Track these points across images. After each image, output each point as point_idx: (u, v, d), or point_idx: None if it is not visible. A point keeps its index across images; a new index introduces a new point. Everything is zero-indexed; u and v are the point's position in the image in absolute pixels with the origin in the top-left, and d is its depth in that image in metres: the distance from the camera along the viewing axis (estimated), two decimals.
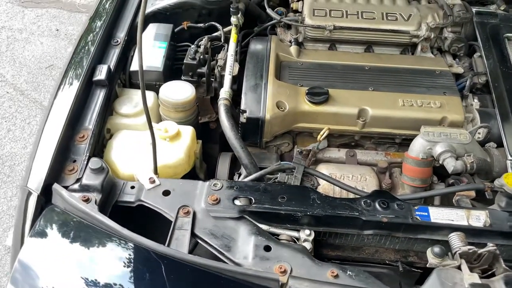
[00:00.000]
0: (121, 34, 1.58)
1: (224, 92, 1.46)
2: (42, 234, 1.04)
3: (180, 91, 1.44)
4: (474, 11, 1.73)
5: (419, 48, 1.71)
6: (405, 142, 1.46)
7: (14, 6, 4.10)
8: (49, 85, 3.27)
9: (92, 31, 1.56)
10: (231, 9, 1.63)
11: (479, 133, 1.42)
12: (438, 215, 1.11)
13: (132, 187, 1.15)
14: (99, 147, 1.32)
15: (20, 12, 4.02)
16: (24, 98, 3.13)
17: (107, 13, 1.62)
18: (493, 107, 1.49)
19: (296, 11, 1.81)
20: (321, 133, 1.36)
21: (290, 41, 1.74)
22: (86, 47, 1.49)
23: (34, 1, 4.19)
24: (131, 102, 1.45)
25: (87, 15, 3.91)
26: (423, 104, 1.44)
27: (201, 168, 1.48)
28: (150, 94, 1.47)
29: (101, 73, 1.38)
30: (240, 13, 1.67)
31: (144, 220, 1.13)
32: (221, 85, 1.54)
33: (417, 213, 1.11)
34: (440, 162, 1.26)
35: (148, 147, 1.21)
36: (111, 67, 1.43)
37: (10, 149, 2.81)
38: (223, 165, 1.45)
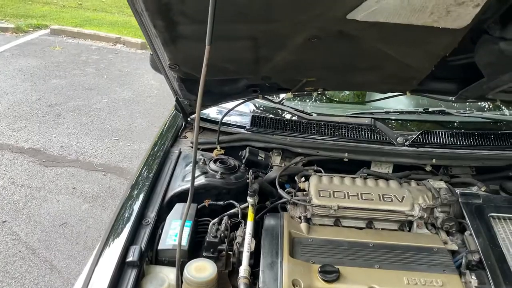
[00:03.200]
0: (151, 214, 1.79)
1: (243, 270, 1.59)
2: None
3: (204, 270, 1.57)
4: (458, 193, 1.98)
5: (415, 225, 1.92)
6: None
7: (35, 165, 4.47)
8: (60, 243, 3.39)
9: (127, 209, 1.77)
10: (248, 191, 1.88)
11: None
12: None
13: None
14: None
15: (40, 171, 4.36)
16: (35, 257, 3.20)
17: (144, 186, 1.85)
18: (490, 284, 1.62)
19: (303, 190, 2.06)
20: None
21: (299, 217, 1.95)
22: (120, 227, 1.68)
23: (55, 161, 4.57)
24: (157, 280, 1.57)
25: (103, 174, 4.28)
26: (426, 282, 1.57)
27: None
28: (171, 270, 1.60)
29: (134, 255, 1.53)
30: (256, 195, 1.91)
31: None
32: (239, 260, 1.68)
33: None
34: None
35: None
36: (142, 247, 1.59)
37: None
38: None
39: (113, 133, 5.22)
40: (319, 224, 1.97)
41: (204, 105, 2.33)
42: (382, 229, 1.96)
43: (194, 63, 1.83)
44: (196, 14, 1.43)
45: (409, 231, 1.93)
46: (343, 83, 2.08)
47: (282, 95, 2.42)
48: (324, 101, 2.60)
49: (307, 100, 2.69)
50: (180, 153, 2.28)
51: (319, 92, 2.13)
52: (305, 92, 2.19)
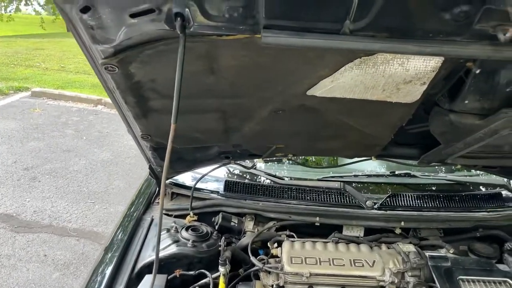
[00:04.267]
0: (119, 287, 1.75)
1: None
2: None
3: None
4: (428, 256, 2.01)
5: None
6: None
7: (7, 231, 4.33)
8: None
9: (95, 283, 1.73)
10: (219, 260, 1.87)
11: None
12: None
13: None
14: None
15: (11, 237, 4.22)
16: None
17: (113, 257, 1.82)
18: None
19: (276, 256, 2.06)
20: None
21: (272, 286, 1.92)
22: None
23: (27, 226, 4.44)
24: None
25: (76, 239, 4.16)
26: None
27: None
28: None
29: None
30: (227, 263, 1.90)
31: None
32: None
33: None
34: None
35: None
36: None
37: None
38: None
39: (90, 196, 5.14)
40: None
41: (177, 171, 2.37)
42: None
43: (166, 133, 1.89)
44: (166, 90, 1.51)
45: None
46: (311, 149, 2.16)
47: (255, 160, 2.48)
48: (296, 164, 2.66)
49: (280, 164, 2.76)
50: (152, 220, 2.27)
51: (289, 158, 2.21)
52: (276, 158, 2.25)
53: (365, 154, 2.15)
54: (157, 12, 1.05)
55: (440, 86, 1.56)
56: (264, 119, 1.75)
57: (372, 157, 2.18)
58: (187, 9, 1.04)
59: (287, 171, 2.68)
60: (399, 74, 1.34)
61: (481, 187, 2.56)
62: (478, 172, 2.61)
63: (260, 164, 2.66)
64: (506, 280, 1.89)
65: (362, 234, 2.26)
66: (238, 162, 2.30)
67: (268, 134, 1.93)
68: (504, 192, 2.53)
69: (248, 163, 2.48)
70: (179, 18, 1.06)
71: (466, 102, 1.50)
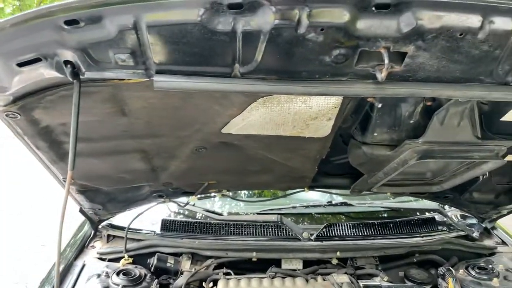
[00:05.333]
0: None
1: None
2: None
3: None
4: (362, 286, 2.03)
5: None
6: None
7: None
8: None
9: None
10: None
11: None
12: None
13: None
14: None
15: None
16: None
17: None
18: None
19: None
20: None
21: None
22: None
23: None
24: None
25: None
26: None
27: None
28: None
29: None
30: None
31: None
32: None
33: None
34: None
35: None
36: None
37: None
38: None
39: None
40: None
41: (111, 213, 2.31)
42: None
43: (88, 175, 1.86)
44: (80, 133, 1.49)
45: None
46: (244, 184, 2.17)
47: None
48: (231, 198, 2.66)
49: (222, 198, 2.74)
50: (83, 265, 2.18)
51: (223, 193, 2.20)
52: (211, 194, 2.24)
53: (297, 186, 2.18)
54: (44, 61, 1.05)
55: (351, 120, 1.62)
56: (189, 157, 1.76)
57: (305, 189, 2.21)
58: (75, 57, 1.04)
59: (228, 206, 2.67)
60: (304, 111, 1.38)
61: (416, 212, 2.63)
62: (412, 198, 2.69)
63: (200, 200, 2.63)
64: None
65: (300, 266, 2.26)
66: (173, 200, 2.27)
67: (196, 171, 1.92)
68: (438, 216, 2.61)
69: (184, 200, 2.44)
70: (69, 66, 1.06)
71: (375, 134, 1.57)
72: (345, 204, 2.57)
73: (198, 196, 2.16)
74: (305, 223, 2.49)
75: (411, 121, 1.51)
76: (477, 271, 2.14)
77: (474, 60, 1.05)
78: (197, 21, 0.95)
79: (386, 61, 1.00)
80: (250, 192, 2.84)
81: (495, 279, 2.06)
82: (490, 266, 2.19)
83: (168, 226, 2.35)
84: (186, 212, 2.57)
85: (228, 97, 1.32)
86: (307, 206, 2.56)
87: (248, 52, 1.03)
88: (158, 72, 1.08)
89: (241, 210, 2.57)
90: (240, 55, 1.03)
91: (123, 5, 0.94)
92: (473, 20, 0.96)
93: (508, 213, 2.42)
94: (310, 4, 0.93)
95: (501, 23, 0.98)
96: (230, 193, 2.56)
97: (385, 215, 2.61)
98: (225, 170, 1.95)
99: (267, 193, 2.75)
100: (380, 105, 1.42)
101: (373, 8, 0.94)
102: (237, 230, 2.31)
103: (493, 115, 1.56)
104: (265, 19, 0.95)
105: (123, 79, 1.18)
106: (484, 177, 2.05)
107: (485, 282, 2.07)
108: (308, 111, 1.38)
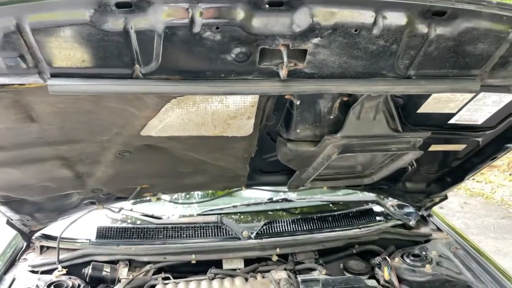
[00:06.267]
0: None
1: None
2: None
3: None
4: (300, 280, 2.04)
5: None
6: None
7: None
8: None
9: None
10: None
11: None
12: None
13: None
14: None
15: None
16: None
17: None
18: None
19: None
20: None
21: None
22: None
23: None
24: None
25: None
26: None
27: None
28: None
29: None
30: None
31: None
32: None
33: None
34: None
35: None
36: None
37: None
38: None
39: None
40: None
41: (42, 223, 2.21)
42: None
43: (9, 186, 1.76)
44: None
45: None
46: (178, 187, 2.13)
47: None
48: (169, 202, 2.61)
49: (161, 202, 2.68)
50: (13, 279, 2.06)
51: (159, 197, 2.16)
52: (146, 198, 2.19)
53: (233, 186, 2.17)
54: None
55: (275, 118, 1.62)
56: (113, 162, 1.70)
57: (243, 187, 2.20)
58: None
59: (168, 210, 2.61)
60: (222, 110, 1.37)
61: (355, 204, 2.69)
62: (350, 190, 2.74)
63: (139, 204, 2.57)
64: None
65: (242, 266, 2.25)
66: (106, 206, 2.20)
67: (125, 176, 1.87)
68: (376, 207, 2.69)
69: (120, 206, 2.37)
70: None
71: (298, 131, 1.58)
72: (286, 200, 2.59)
73: (133, 201, 2.09)
74: (249, 221, 2.48)
75: (331, 117, 1.53)
76: (411, 258, 2.22)
77: (374, 56, 1.07)
78: (86, 21, 0.91)
79: (285, 58, 1.00)
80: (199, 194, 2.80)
81: (427, 266, 2.15)
82: (424, 253, 2.28)
83: (103, 233, 2.27)
84: (125, 218, 2.50)
85: (141, 99, 1.28)
86: (248, 205, 2.55)
87: (146, 52, 0.99)
88: (53, 75, 1.02)
89: (183, 212, 2.52)
90: (138, 55, 1.00)
91: (2, 6, 0.89)
92: (366, 16, 0.98)
93: (441, 201, 2.52)
94: (202, 2, 0.91)
95: (394, 18, 1.00)
96: (169, 197, 2.51)
97: (325, 209, 2.64)
98: (156, 173, 1.90)
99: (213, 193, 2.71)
100: (298, 102, 1.42)
101: (267, 6, 0.93)
102: (176, 233, 2.27)
103: (410, 108, 1.61)
104: (157, 18, 0.92)
105: (23, 84, 1.11)
106: (413, 167, 2.12)
107: (418, 269, 2.15)
108: (226, 111, 1.37)
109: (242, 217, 2.51)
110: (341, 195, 2.77)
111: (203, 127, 1.46)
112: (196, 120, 1.40)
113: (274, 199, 2.60)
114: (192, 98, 1.30)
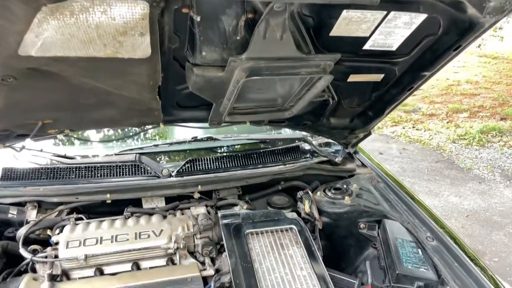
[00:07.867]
0: None
1: None
2: None
3: None
4: (220, 215, 2.01)
5: (177, 256, 1.87)
6: None
7: None
8: None
9: None
10: None
11: None
12: None
13: None
14: None
15: None
16: None
17: None
18: None
19: (57, 243, 1.86)
20: None
21: (44, 276, 1.73)
22: None
23: None
24: None
25: None
26: None
27: None
28: None
29: None
30: None
31: None
32: None
33: None
34: None
35: None
36: None
37: None
38: None
39: None
40: (79, 278, 1.79)
41: None
42: (151, 267, 1.87)
43: None
44: None
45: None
46: (87, 122, 1.97)
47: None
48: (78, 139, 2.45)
49: (82, 143, 2.51)
50: None
51: (66, 134, 1.99)
52: (50, 135, 2.01)
53: (149, 121, 2.04)
54: None
55: (178, 40, 1.49)
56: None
57: (160, 124, 2.08)
58: None
59: (84, 150, 2.45)
60: (107, 24, 1.21)
61: (281, 142, 2.66)
62: (281, 129, 2.71)
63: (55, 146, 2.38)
64: (291, 227, 1.99)
65: (163, 204, 2.18)
66: (7, 145, 2.00)
67: (18, 108, 1.68)
68: (305, 146, 2.68)
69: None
70: None
71: (204, 53, 1.46)
72: (211, 138, 2.50)
73: (34, 138, 1.92)
74: (170, 161, 2.39)
75: (237, 37, 1.42)
76: (332, 192, 2.25)
77: None
78: None
79: None
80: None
81: (347, 198, 2.18)
82: (345, 186, 2.31)
83: (9, 174, 2.10)
84: (38, 159, 2.31)
85: (8, 7, 1.10)
86: (171, 143, 2.44)
87: None
88: None
89: (99, 152, 2.38)
90: None
91: None
92: None
93: (365, 137, 2.54)
94: None
95: None
96: (80, 134, 2.35)
97: (252, 147, 2.59)
98: (55, 105, 1.72)
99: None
100: (198, 19, 1.30)
101: None
102: (90, 173, 2.14)
103: (322, 30, 1.53)
104: None
105: None
106: (334, 100, 2.09)
107: (338, 201, 2.19)
108: (112, 24, 1.22)
109: (164, 156, 2.41)
110: (268, 134, 2.72)
111: (91, 46, 1.30)
112: (80, 35, 1.24)
113: (199, 137, 2.51)
114: (69, 6, 1.13)
